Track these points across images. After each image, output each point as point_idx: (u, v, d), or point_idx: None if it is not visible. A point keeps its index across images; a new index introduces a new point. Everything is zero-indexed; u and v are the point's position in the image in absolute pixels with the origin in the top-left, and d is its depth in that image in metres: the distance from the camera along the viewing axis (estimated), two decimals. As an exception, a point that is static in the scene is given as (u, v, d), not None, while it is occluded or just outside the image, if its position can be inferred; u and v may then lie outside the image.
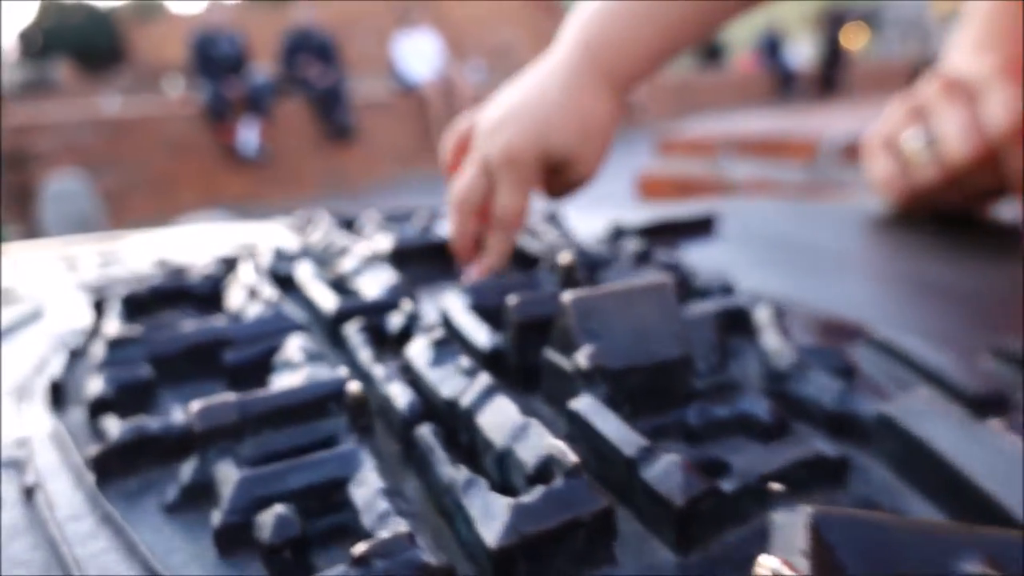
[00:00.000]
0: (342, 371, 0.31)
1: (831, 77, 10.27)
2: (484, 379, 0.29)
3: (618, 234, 0.62)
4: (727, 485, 0.25)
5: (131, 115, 5.02)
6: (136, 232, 0.72)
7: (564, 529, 0.22)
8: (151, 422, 0.30)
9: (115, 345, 0.37)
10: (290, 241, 0.67)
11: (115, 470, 0.30)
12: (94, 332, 0.46)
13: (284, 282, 0.51)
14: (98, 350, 0.39)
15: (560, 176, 0.49)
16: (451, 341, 0.34)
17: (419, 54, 6.45)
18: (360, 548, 0.20)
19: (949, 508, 0.25)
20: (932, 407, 0.27)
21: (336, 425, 0.29)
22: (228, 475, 0.26)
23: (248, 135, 5.29)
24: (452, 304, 0.41)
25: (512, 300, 0.35)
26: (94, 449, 0.29)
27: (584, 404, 0.28)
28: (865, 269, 0.61)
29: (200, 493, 0.27)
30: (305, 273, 0.50)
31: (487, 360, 0.36)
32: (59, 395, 0.37)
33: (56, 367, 0.38)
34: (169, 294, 0.50)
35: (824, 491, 0.27)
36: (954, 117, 0.54)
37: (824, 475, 0.27)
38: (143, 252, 0.66)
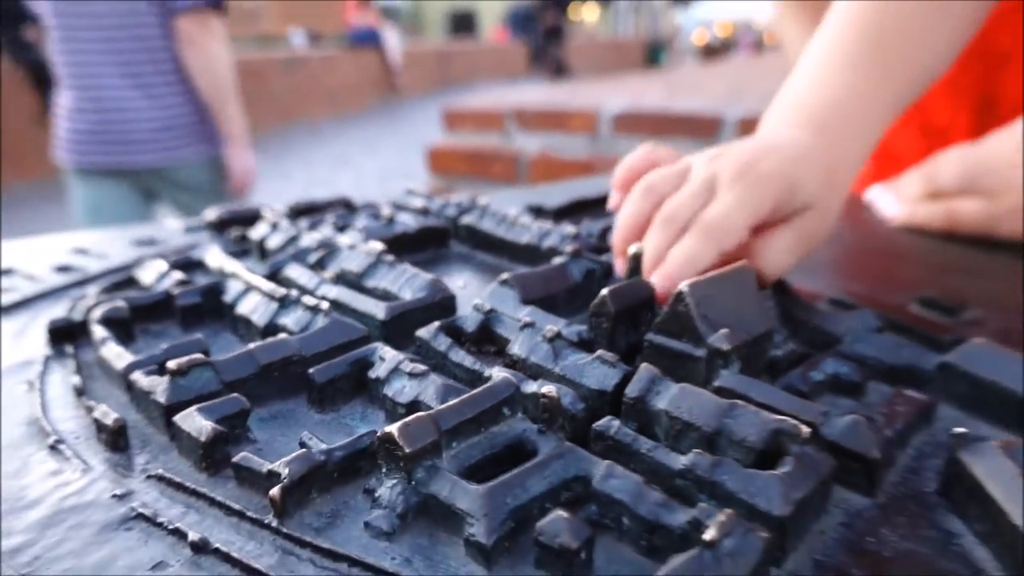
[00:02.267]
0: (497, 373, 0.32)
1: (551, 53, 10.56)
2: (647, 370, 0.31)
3: (538, 213, 0.65)
4: (888, 433, 0.30)
5: None
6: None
7: (816, 490, 0.26)
8: (314, 452, 0.29)
9: (182, 374, 0.34)
10: (215, 240, 0.61)
11: (288, 508, 0.28)
12: (78, 365, 0.40)
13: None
14: (139, 380, 0.34)
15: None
16: (560, 336, 0.36)
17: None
18: (711, 534, 0.22)
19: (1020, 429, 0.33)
20: (987, 353, 0.35)
21: (516, 427, 0.30)
22: (460, 491, 0.26)
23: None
24: (502, 299, 0.42)
25: (608, 290, 0.37)
26: (275, 490, 0.27)
27: (735, 381, 0.32)
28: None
29: (421, 512, 0.27)
30: (303, 276, 0.47)
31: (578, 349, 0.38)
32: (122, 438, 0.33)
33: (106, 412, 0.33)
34: (149, 308, 0.44)
35: (922, 431, 0.33)
36: None
37: (921, 419, 0.33)
38: (37, 265, 0.57)
